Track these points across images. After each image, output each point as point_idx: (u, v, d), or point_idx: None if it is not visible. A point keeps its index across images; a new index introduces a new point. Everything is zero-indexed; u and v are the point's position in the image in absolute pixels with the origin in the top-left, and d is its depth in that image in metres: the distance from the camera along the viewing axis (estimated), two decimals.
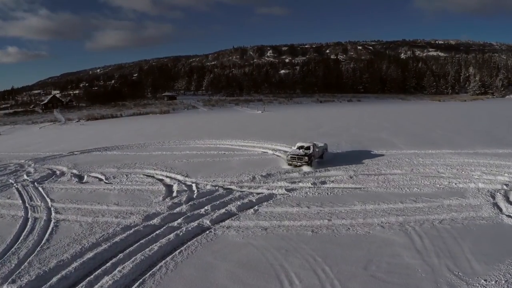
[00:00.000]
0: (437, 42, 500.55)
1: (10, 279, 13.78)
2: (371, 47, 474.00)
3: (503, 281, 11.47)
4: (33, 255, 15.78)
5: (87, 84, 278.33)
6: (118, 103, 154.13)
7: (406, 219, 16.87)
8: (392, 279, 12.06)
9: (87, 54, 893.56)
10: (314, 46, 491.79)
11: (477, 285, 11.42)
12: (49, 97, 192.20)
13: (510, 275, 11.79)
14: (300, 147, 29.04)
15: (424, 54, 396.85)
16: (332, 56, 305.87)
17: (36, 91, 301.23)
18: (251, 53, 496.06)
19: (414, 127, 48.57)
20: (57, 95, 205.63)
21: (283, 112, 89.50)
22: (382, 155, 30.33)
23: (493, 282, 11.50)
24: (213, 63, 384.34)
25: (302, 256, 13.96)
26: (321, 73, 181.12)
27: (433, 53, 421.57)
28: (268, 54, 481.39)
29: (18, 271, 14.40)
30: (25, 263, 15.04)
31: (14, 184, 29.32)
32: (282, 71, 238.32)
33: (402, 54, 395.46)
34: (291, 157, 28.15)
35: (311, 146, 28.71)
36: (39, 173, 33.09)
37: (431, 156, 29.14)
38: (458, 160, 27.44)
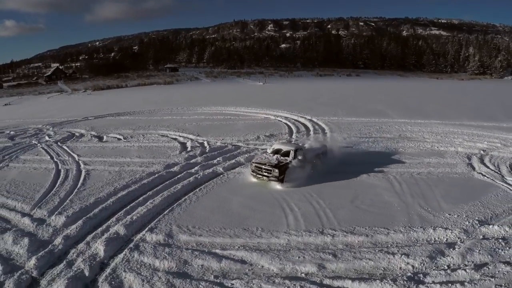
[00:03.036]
0: (440, 21, 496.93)
1: (57, 212, 16.76)
2: (373, 24, 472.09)
3: (464, 216, 14.31)
4: (72, 195, 18.76)
5: (86, 57, 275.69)
6: (121, 74, 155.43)
7: (390, 170, 19.93)
8: (373, 209, 15.10)
9: (86, 27, 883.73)
10: (315, 21, 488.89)
11: (442, 217, 14.27)
12: (53, 69, 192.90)
13: (471, 212, 14.67)
14: (276, 151, 20.04)
15: (426, 33, 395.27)
16: (334, 32, 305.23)
17: (35, 64, 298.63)
18: (251, 26, 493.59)
19: (408, 101, 51.18)
20: (60, 67, 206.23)
21: (284, 84, 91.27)
22: (375, 122, 33.12)
23: (455, 216, 14.37)
24: (213, 36, 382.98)
25: (301, 193, 17.26)
26: (322, 48, 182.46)
27: (435, 32, 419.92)
28: (269, 28, 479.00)
29: (62, 206, 17.37)
30: (67, 201, 18.01)
31: (38, 144, 32.15)
32: (283, 45, 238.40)
33: (404, 31, 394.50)
34: (255, 166, 19.41)
35: (291, 151, 19.52)
36: (59, 135, 35.90)
37: (420, 125, 31.73)
38: (444, 129, 30.05)
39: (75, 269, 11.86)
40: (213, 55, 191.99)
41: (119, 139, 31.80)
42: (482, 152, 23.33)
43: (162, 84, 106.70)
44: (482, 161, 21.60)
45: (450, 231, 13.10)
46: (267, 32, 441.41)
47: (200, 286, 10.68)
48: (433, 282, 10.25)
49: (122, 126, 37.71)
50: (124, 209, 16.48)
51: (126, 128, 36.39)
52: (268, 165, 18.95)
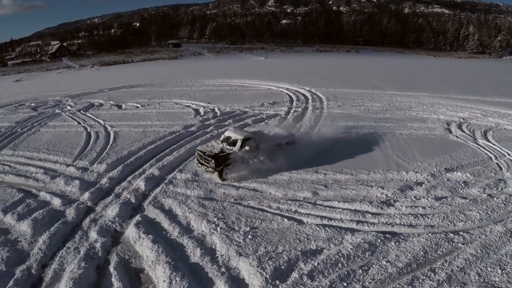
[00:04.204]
0: None
1: (97, 161, 20.24)
2: (374, 0, 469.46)
3: (433, 164, 17.68)
4: (107, 149, 22.25)
5: (86, 34, 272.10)
6: (124, 50, 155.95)
7: (376, 131, 23.35)
8: (358, 157, 18.61)
9: (84, 4, 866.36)
10: None
11: (415, 165, 17.69)
12: (56, 46, 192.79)
13: (440, 162, 18.00)
14: (226, 139, 18.26)
15: (428, 11, 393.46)
16: (335, 8, 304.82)
17: (34, 42, 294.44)
18: (252, 2, 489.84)
19: (402, 76, 54.04)
20: (64, 45, 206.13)
21: (285, 59, 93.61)
22: (368, 93, 36.17)
23: (426, 164, 17.76)
24: (213, 11, 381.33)
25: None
26: (322, 24, 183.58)
27: (437, 9, 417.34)
28: (270, 3, 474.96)
29: (100, 157, 20.87)
30: (103, 154, 21.49)
31: (62, 113, 35.42)
32: (284, 21, 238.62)
33: (406, 9, 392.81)
34: (198, 154, 18.15)
35: (238, 141, 17.56)
36: (79, 105, 39.10)
37: (409, 97, 34.69)
38: (430, 100, 33.10)
39: (123, 198, 15.37)
40: (215, 31, 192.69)
41: (137, 107, 35.11)
42: (461, 120, 26.43)
43: (167, 59, 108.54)
44: (459, 127, 24.83)
45: (420, 174, 16.50)
46: (267, 7, 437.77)
47: (224, 205, 14.20)
48: (401, 206, 13.65)
49: (137, 96, 40.92)
50: (155, 158, 20.10)
51: (141, 97, 39.62)
52: (207, 154, 17.35)
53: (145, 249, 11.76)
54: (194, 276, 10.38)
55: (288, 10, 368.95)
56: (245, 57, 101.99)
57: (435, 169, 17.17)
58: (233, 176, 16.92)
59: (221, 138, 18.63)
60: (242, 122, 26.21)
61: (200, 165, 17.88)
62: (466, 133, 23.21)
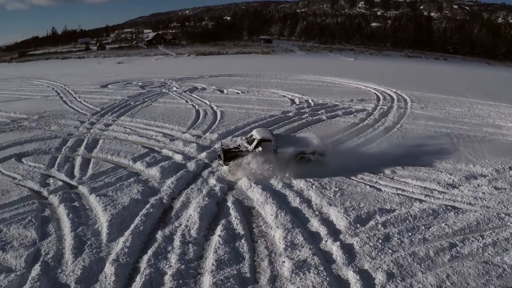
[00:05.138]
0: None
1: (209, 131, 24.36)
2: (467, 8, 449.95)
3: (499, 163, 19.57)
4: (216, 123, 26.45)
5: (178, 25, 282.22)
6: (217, 42, 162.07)
7: (453, 131, 25.46)
8: (432, 150, 21.31)
9: None
10: (408, 1, 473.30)
11: (482, 161, 19.61)
12: (153, 34, 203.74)
13: (506, 162, 19.85)
14: (249, 137, 18.40)
15: None
16: (425, 13, 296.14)
17: (128, 29, 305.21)
18: (342, 2, 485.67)
19: (486, 86, 53.77)
20: (160, 33, 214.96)
21: (373, 61, 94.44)
22: (450, 99, 37.23)
23: (493, 161, 19.71)
24: (303, 10, 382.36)
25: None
26: (412, 29, 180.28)
27: None
28: (360, 5, 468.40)
29: (211, 129, 25.02)
30: (213, 126, 25.65)
31: (169, 92, 40.21)
32: (374, 24, 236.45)
33: (500, 18, 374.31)
34: (219, 146, 19.11)
35: (255, 140, 17.59)
36: (184, 87, 43.86)
37: (489, 106, 35.21)
38: (510, 111, 33.22)
39: None
40: (305, 29, 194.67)
41: (237, 92, 39.17)
42: None
43: (260, 53, 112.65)
44: None
45: (485, 168, 18.60)
46: (357, 9, 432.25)
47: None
48: (464, 189, 16.17)
49: (236, 84, 45.06)
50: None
51: (240, 85, 43.72)
52: (222, 148, 17.99)
53: (255, 194, 15.42)
54: (294, 215, 13.83)
55: (378, 13, 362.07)
56: (335, 57, 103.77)
57: (500, 166, 18.99)
58: (239, 174, 17.19)
59: (248, 135, 18.80)
60: (334, 113, 29.27)
61: (218, 157, 18.66)
62: None
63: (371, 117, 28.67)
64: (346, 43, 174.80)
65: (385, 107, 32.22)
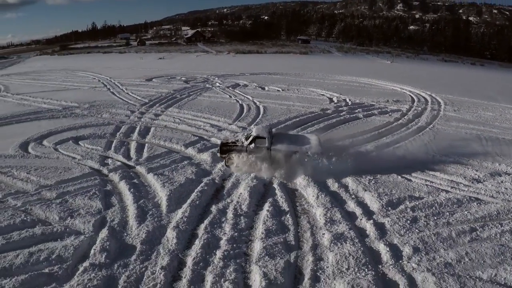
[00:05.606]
0: None
1: (253, 124, 26.27)
2: (507, 13, 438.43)
3: None
4: (259, 117, 28.38)
5: (216, 23, 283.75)
6: (256, 41, 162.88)
7: (482, 133, 26.51)
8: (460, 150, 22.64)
9: None
10: (446, 4, 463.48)
11: (508, 161, 20.60)
12: (193, 31, 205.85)
13: None
14: (247, 133, 19.79)
15: None
16: (464, 17, 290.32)
17: (166, 26, 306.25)
18: (380, 4, 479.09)
19: None
20: (199, 31, 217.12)
21: (409, 65, 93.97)
22: (483, 103, 37.65)
23: None
24: (340, 11, 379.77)
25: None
26: (450, 33, 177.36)
27: None
28: (398, 7, 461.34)
29: (255, 122, 26.92)
30: (257, 120, 27.69)
31: (213, 88, 42.26)
32: (411, 27, 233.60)
33: None
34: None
35: (251, 137, 18.74)
36: (226, 83, 45.89)
37: None
38: None
39: None
40: (343, 31, 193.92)
41: (278, 90, 40.94)
42: None
43: (298, 54, 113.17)
44: None
45: (510, 167, 19.62)
46: (395, 11, 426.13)
47: None
48: (488, 184, 17.40)
49: (276, 82, 46.82)
50: (300, 127, 25.95)
51: (280, 83, 45.48)
52: (221, 142, 19.59)
53: (298, 179, 17.36)
54: (333, 197, 15.64)
55: (417, 16, 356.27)
56: (372, 59, 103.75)
57: None
58: (233, 167, 18.49)
59: (248, 131, 20.23)
60: (370, 112, 30.71)
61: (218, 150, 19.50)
62: None
63: (405, 117, 29.82)
64: (383, 45, 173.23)
65: (419, 108, 33.21)
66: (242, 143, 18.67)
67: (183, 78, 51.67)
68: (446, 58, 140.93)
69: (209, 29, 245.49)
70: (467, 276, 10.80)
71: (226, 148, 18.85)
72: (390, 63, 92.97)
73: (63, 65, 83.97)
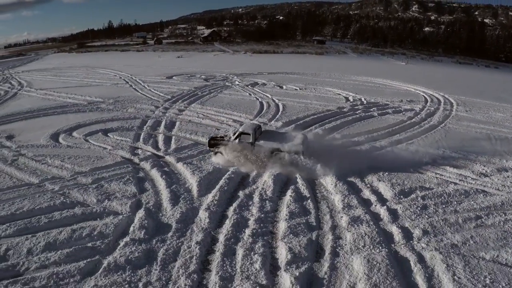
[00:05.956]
0: None
1: (273, 120, 27.59)
2: None
3: None
4: (279, 114, 29.68)
5: (231, 22, 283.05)
6: (272, 42, 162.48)
7: (492, 133, 27.33)
8: (471, 148, 23.71)
9: None
10: (462, 6, 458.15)
11: None
12: (209, 31, 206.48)
13: None
14: (236, 129, 21.20)
15: None
16: (480, 19, 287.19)
17: (181, 25, 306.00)
18: (395, 5, 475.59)
19: None
20: (216, 30, 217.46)
21: (424, 66, 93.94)
22: (494, 104, 38.01)
23: None
24: (356, 12, 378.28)
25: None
26: (465, 35, 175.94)
27: None
28: (413, 8, 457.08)
29: (275, 118, 28.19)
30: (277, 116, 28.89)
31: (232, 86, 43.58)
32: (427, 29, 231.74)
33: None
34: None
35: (237, 132, 19.91)
36: (245, 82, 47.17)
37: None
38: None
39: None
40: (358, 32, 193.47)
41: (295, 89, 42.14)
42: None
43: (314, 54, 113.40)
44: None
45: None
46: (411, 12, 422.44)
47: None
48: (494, 178, 18.39)
49: (294, 81, 48.00)
50: (317, 124, 27.12)
51: (297, 82, 46.65)
52: (210, 136, 21.22)
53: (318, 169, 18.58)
54: (350, 186, 16.96)
55: (432, 18, 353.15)
56: (386, 60, 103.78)
57: None
58: (218, 159, 19.62)
59: (237, 127, 21.21)
60: (384, 111, 31.79)
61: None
62: None
63: (418, 116, 30.76)
64: (398, 47, 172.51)
65: (432, 108, 34.06)
66: (229, 138, 19.76)
67: (202, 76, 53.12)
68: (461, 60, 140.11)
69: (225, 28, 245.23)
70: (471, 256, 11.96)
71: (214, 142, 20.19)
72: (405, 64, 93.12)
73: (82, 63, 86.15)
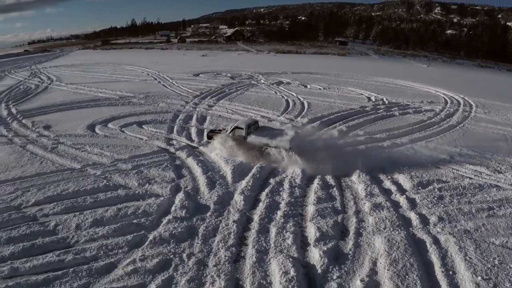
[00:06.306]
0: None
1: (299, 116, 28.94)
2: None
3: None
4: (304, 111, 30.93)
5: (253, 22, 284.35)
6: (294, 42, 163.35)
7: (509, 134, 28.01)
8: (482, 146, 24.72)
9: None
10: (485, 9, 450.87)
11: None
12: (232, 30, 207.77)
13: None
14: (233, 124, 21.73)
15: None
16: (503, 22, 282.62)
17: (204, 24, 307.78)
18: (418, 7, 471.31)
19: None
20: (238, 29, 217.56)
21: (445, 69, 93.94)
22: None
23: None
24: (378, 13, 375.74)
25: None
26: (487, 38, 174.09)
27: None
28: (436, 11, 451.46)
29: (301, 115, 29.52)
30: (303, 113, 30.17)
31: (258, 84, 44.96)
32: (449, 31, 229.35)
33: None
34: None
35: (232, 126, 21.06)
36: (270, 80, 48.48)
37: None
38: None
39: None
40: (380, 33, 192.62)
41: (319, 88, 43.33)
42: None
43: (336, 55, 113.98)
44: None
45: None
46: (433, 15, 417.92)
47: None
48: (508, 175, 19.40)
49: (317, 81, 49.15)
50: (341, 121, 28.38)
51: (321, 82, 47.80)
52: (209, 129, 23.14)
53: None
54: (372, 177, 18.20)
55: (455, 20, 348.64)
56: (408, 62, 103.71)
57: None
58: (216, 152, 20.71)
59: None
60: (405, 110, 32.76)
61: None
62: None
63: (438, 116, 31.59)
64: (420, 49, 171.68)
65: (452, 109, 34.81)
66: (226, 131, 20.92)
67: (228, 75, 54.61)
68: (482, 64, 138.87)
69: (247, 28, 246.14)
70: (482, 241, 13.14)
71: (211, 134, 21.86)
72: (426, 67, 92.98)
73: (108, 59, 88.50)
